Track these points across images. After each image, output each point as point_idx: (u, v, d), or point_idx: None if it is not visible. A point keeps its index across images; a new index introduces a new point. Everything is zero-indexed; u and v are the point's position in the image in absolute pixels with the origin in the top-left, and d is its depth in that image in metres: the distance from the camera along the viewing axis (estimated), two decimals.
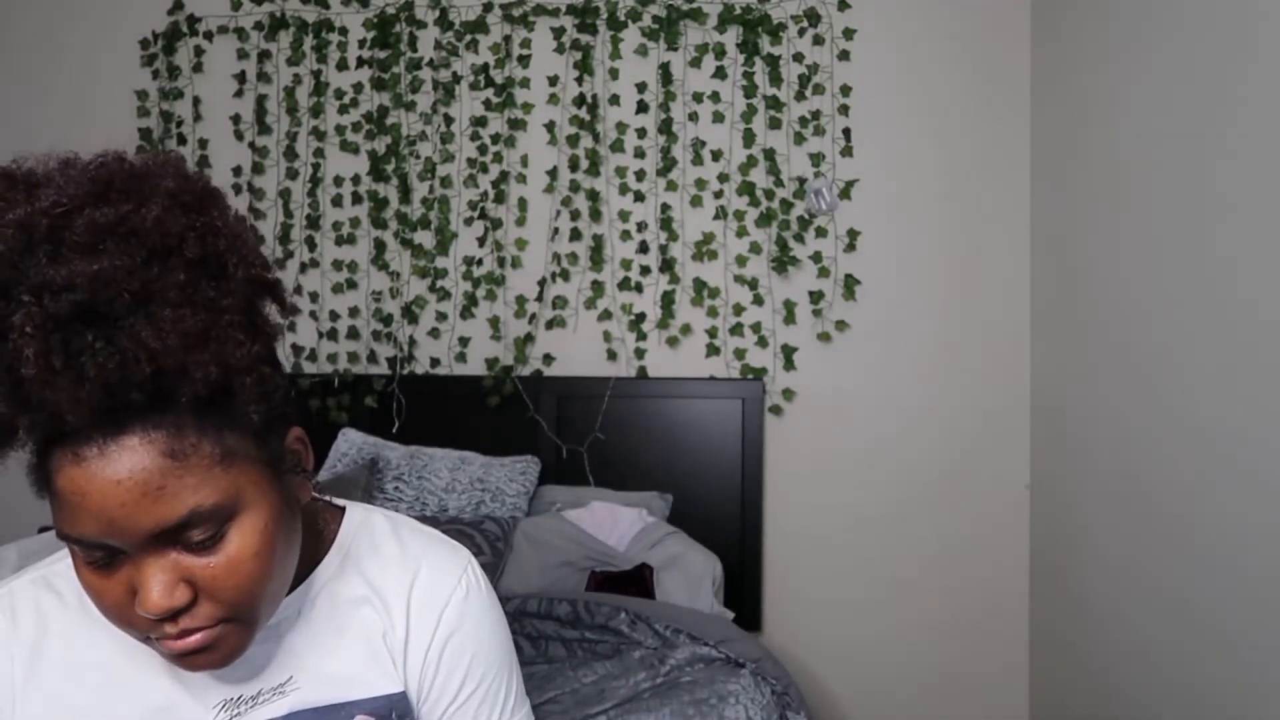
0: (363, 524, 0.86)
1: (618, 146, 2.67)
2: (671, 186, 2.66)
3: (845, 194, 2.61)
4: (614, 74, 2.67)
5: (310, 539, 0.80)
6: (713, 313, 2.64)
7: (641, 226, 2.67)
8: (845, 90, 2.61)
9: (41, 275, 0.58)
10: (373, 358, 2.76)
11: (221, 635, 0.68)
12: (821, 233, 2.63)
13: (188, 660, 0.68)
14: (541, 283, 2.68)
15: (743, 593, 2.54)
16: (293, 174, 2.79)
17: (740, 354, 2.64)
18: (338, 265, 2.77)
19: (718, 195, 2.65)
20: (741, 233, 2.64)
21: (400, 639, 0.81)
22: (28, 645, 0.76)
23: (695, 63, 2.64)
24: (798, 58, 2.62)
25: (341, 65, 2.78)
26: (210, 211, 0.65)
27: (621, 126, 2.68)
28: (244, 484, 0.67)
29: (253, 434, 0.68)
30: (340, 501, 0.88)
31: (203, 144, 2.82)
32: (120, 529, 0.62)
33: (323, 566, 0.82)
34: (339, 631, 0.80)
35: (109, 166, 0.64)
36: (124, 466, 0.61)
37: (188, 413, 0.63)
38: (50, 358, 0.57)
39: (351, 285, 2.77)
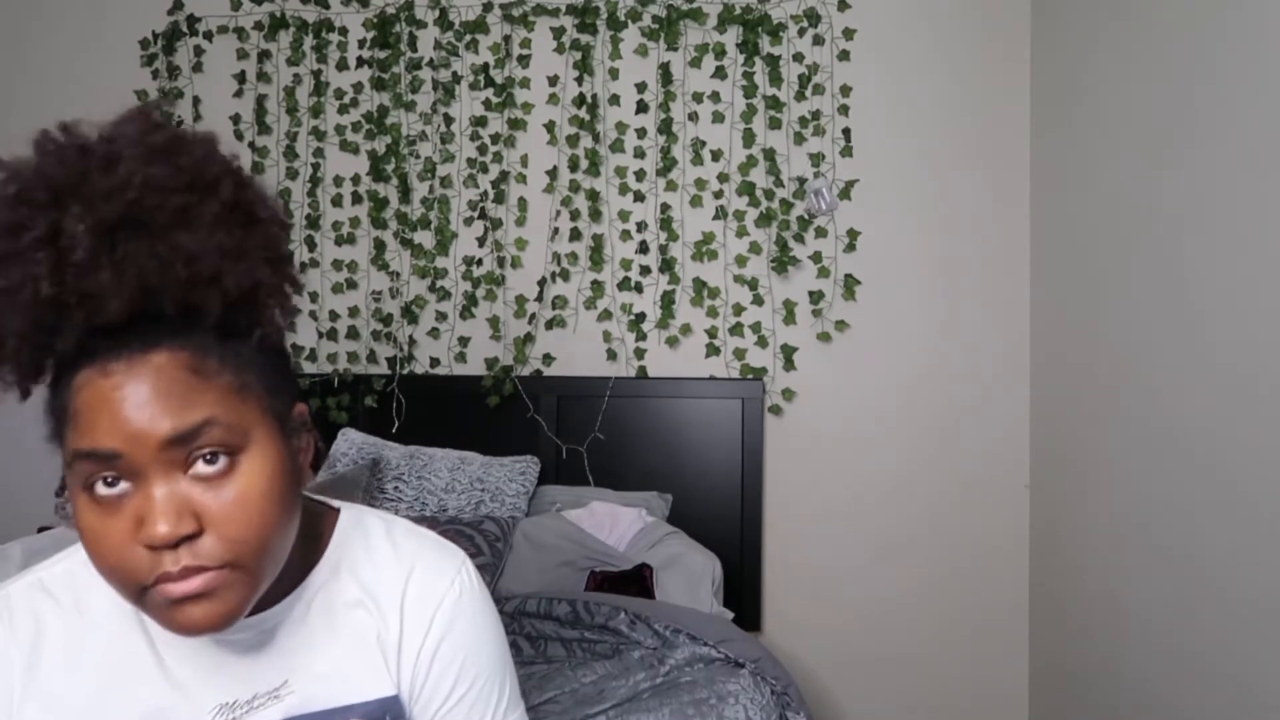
0: (356, 526, 0.85)
1: (618, 146, 2.67)
2: (671, 186, 2.66)
3: (845, 194, 2.61)
4: (614, 74, 2.67)
5: (306, 541, 0.80)
6: (713, 313, 2.64)
7: (641, 226, 2.67)
8: (845, 90, 2.61)
9: (95, 186, 0.63)
10: (372, 358, 2.76)
11: (223, 582, 0.67)
12: (821, 233, 2.63)
13: (185, 611, 0.66)
14: (541, 283, 2.68)
15: (743, 593, 2.53)
16: (293, 174, 2.79)
17: (740, 354, 2.63)
18: (338, 265, 2.77)
19: (718, 195, 2.65)
20: (741, 233, 2.64)
21: (394, 640, 0.81)
22: (25, 650, 0.76)
23: (695, 63, 2.64)
24: (798, 58, 2.62)
25: (341, 65, 2.78)
26: (240, 171, 0.71)
27: (621, 126, 2.68)
28: (255, 423, 0.69)
29: (266, 385, 0.71)
30: (334, 503, 0.87)
31: None
32: (138, 433, 0.64)
33: (317, 570, 0.81)
34: (334, 635, 0.80)
35: (155, 111, 0.70)
36: (149, 377, 0.65)
37: (212, 340, 0.67)
38: (98, 252, 0.62)
39: (351, 285, 2.77)
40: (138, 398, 0.64)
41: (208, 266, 0.64)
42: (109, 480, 0.65)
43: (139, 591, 0.67)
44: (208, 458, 0.66)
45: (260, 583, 0.70)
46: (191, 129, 0.71)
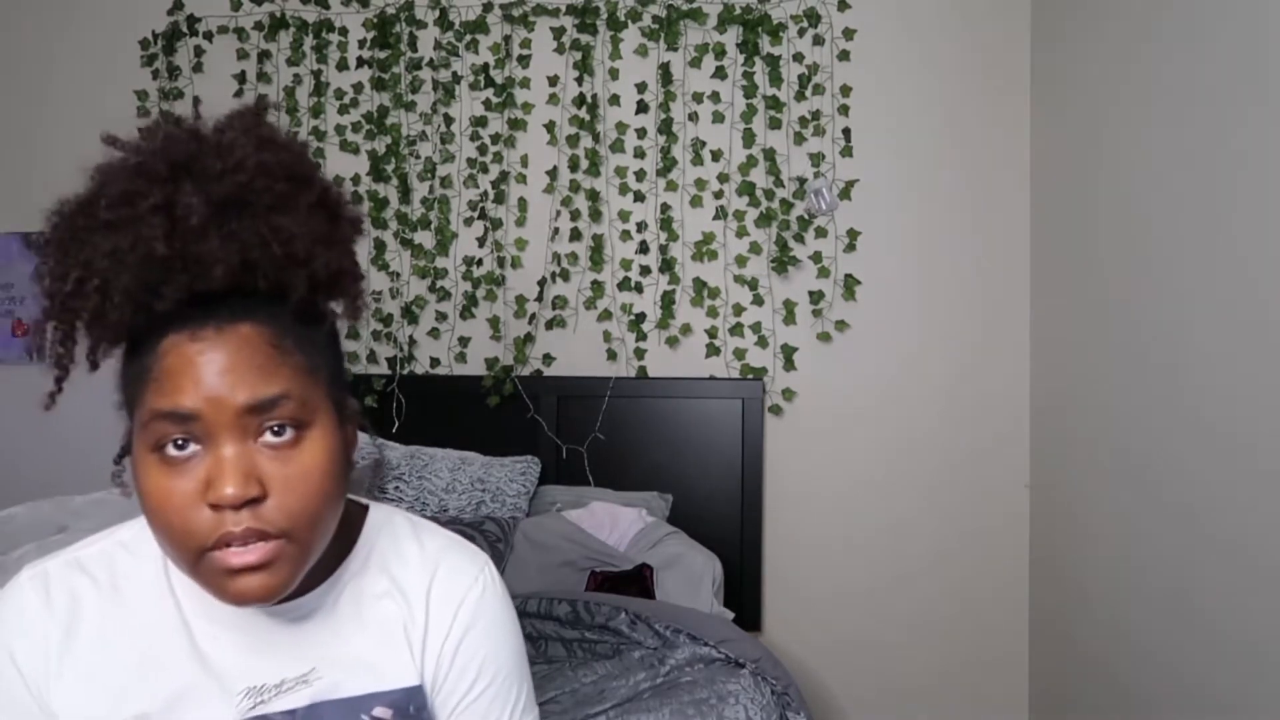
0: (385, 523, 0.88)
1: (618, 146, 2.67)
2: (671, 186, 2.66)
3: (845, 194, 2.61)
4: (614, 74, 2.67)
5: (338, 534, 0.81)
6: (713, 313, 2.64)
7: (641, 226, 2.67)
8: (845, 90, 2.61)
9: (209, 167, 0.69)
10: (373, 357, 2.76)
11: (279, 554, 0.70)
12: (821, 233, 2.63)
13: (240, 580, 0.69)
14: (541, 283, 2.68)
15: (743, 593, 2.53)
16: None
17: (740, 354, 2.64)
18: None
19: (718, 195, 2.65)
20: (741, 233, 2.64)
21: (420, 632, 0.83)
22: (61, 627, 0.78)
23: (695, 63, 2.64)
24: (798, 58, 2.62)
25: (341, 65, 2.78)
26: (324, 175, 0.77)
27: (621, 126, 2.68)
28: (320, 404, 0.74)
29: (330, 372, 0.76)
30: (363, 500, 0.90)
31: None
32: (217, 398, 0.68)
33: (349, 562, 0.84)
34: (362, 624, 0.82)
35: (265, 108, 0.77)
36: (234, 344, 0.69)
37: (290, 322, 0.73)
38: (209, 224, 0.68)
39: None
40: (221, 364, 0.68)
41: (302, 248, 0.70)
42: (179, 442, 0.69)
43: (197, 555, 0.69)
44: (276, 429, 0.71)
45: (309, 558, 0.73)
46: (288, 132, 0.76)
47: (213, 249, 0.67)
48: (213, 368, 0.68)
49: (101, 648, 0.77)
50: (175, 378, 0.68)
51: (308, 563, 0.73)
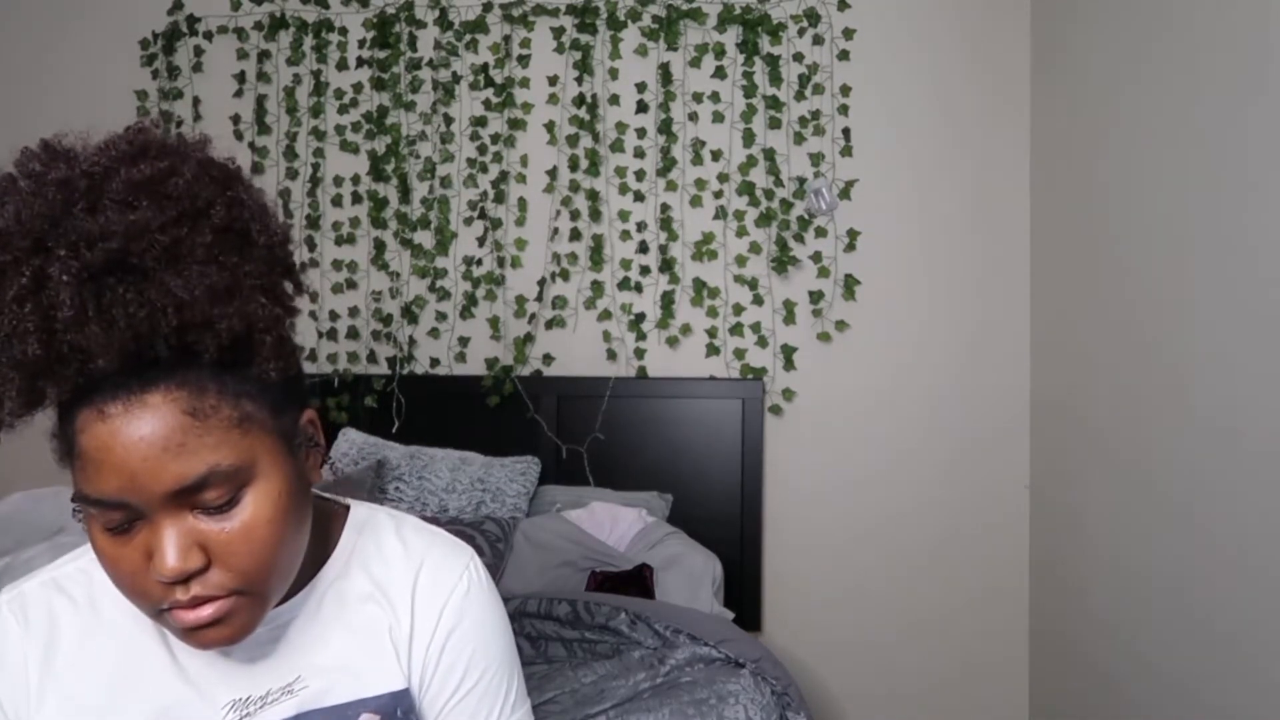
0: (367, 522, 0.86)
1: (618, 146, 2.67)
2: (671, 186, 2.66)
3: (845, 194, 2.61)
4: (614, 74, 2.67)
5: (317, 538, 0.80)
6: (712, 313, 2.64)
7: (641, 226, 2.67)
8: (845, 90, 2.61)
9: (77, 229, 0.61)
10: (372, 358, 2.76)
11: (233, 607, 0.68)
12: (821, 233, 2.63)
13: (199, 635, 0.69)
14: (541, 283, 2.68)
15: (743, 593, 2.53)
16: (293, 174, 2.79)
17: (740, 354, 2.64)
18: (338, 265, 2.77)
19: (717, 195, 2.65)
20: (741, 233, 2.64)
21: (405, 633, 0.82)
22: (40, 648, 0.77)
23: (695, 63, 2.64)
24: (797, 58, 2.62)
25: (341, 65, 2.78)
26: (236, 186, 0.69)
27: (621, 126, 2.68)
28: (259, 452, 0.69)
29: (269, 406, 0.70)
30: (345, 500, 0.88)
31: None
32: (140, 485, 0.64)
33: (329, 565, 0.82)
34: (346, 629, 0.81)
35: (146, 133, 0.68)
36: (147, 423, 0.63)
37: (209, 375, 0.66)
38: (84, 305, 0.60)
39: (351, 285, 2.77)
40: (138, 450, 0.63)
41: (199, 313, 0.63)
42: (116, 520, 0.66)
43: (154, 612, 0.69)
44: (209, 508, 0.67)
45: (270, 601, 0.72)
46: (191, 131, 0.69)
47: (94, 337, 0.60)
48: (131, 455, 0.63)
49: (82, 668, 0.77)
50: (93, 465, 0.64)
51: (269, 605, 0.72)
